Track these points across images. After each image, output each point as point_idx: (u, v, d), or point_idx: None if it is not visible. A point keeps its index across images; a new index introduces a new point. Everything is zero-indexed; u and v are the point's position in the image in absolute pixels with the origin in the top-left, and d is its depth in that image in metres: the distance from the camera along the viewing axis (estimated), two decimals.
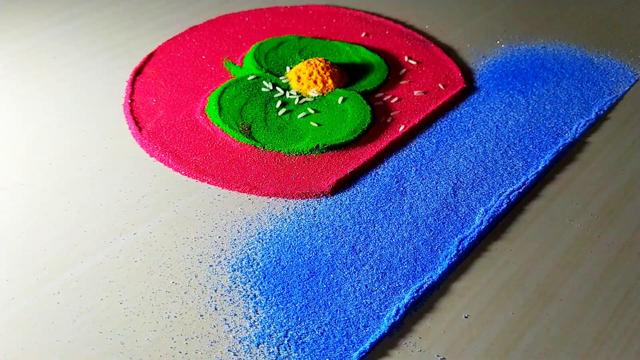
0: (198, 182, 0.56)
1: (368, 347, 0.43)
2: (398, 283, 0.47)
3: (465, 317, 0.45)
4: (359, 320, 0.44)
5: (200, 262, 0.49)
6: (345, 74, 0.69)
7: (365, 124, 0.62)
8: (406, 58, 0.74)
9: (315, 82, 0.66)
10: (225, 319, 0.45)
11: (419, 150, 0.60)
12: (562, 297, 0.46)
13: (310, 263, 0.49)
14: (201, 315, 0.45)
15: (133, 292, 0.46)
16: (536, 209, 0.54)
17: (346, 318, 0.45)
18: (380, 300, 0.46)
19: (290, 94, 0.66)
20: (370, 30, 0.79)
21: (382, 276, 0.48)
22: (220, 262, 0.49)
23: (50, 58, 0.74)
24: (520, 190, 0.55)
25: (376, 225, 0.52)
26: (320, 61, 0.68)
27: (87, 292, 0.46)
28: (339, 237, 0.51)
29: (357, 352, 0.42)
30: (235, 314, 0.45)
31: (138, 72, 0.71)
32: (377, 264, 0.49)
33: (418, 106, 0.66)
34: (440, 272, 0.48)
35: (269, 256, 0.49)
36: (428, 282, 0.47)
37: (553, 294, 0.47)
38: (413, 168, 0.58)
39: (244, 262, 0.49)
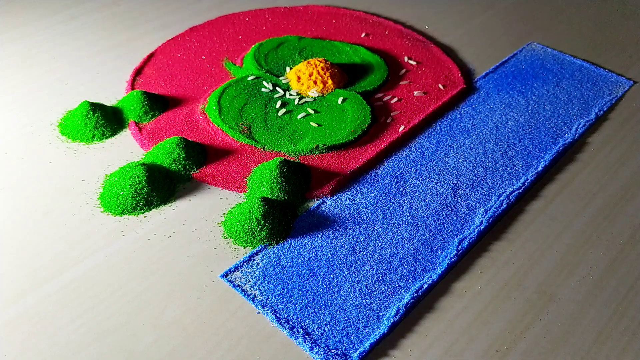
0: (198, 182, 0.56)
1: (368, 347, 0.43)
2: (398, 283, 0.47)
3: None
4: (359, 320, 0.44)
5: (200, 262, 0.49)
6: (345, 74, 0.69)
7: (365, 124, 0.62)
8: (406, 58, 0.74)
9: (315, 82, 0.66)
10: (225, 319, 0.45)
11: (419, 150, 0.60)
12: (562, 297, 0.47)
13: (310, 263, 0.49)
14: (201, 315, 0.45)
15: (133, 292, 0.46)
16: (536, 209, 0.54)
17: (346, 318, 0.45)
18: (380, 300, 0.46)
19: (290, 95, 0.66)
20: (370, 31, 0.79)
21: (382, 276, 0.48)
22: (220, 262, 0.49)
23: (50, 58, 0.74)
24: (520, 190, 0.55)
25: (376, 225, 0.52)
26: (320, 61, 0.68)
27: (87, 292, 0.46)
28: (339, 237, 0.51)
29: (357, 352, 0.42)
30: (235, 314, 0.45)
31: (138, 72, 0.71)
32: (377, 264, 0.49)
33: (418, 106, 0.66)
34: (440, 272, 0.48)
35: (269, 256, 0.49)
36: (428, 282, 0.47)
37: (553, 294, 0.47)
38: (413, 168, 0.58)
39: (244, 262, 0.49)
